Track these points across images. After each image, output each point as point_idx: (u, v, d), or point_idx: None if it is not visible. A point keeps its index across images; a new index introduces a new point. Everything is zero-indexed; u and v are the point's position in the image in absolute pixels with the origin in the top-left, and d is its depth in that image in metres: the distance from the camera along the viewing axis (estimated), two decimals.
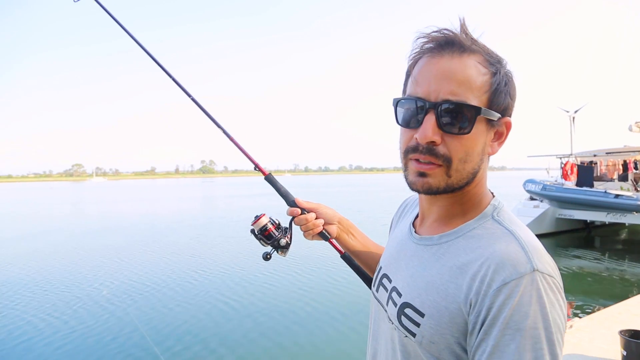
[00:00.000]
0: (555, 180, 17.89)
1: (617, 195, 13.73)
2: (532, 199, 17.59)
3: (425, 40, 0.81)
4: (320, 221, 1.20)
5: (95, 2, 1.45)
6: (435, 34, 0.80)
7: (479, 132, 0.80)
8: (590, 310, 5.71)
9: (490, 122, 0.81)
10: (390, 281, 0.92)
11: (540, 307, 0.68)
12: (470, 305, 0.72)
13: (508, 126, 0.84)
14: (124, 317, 7.25)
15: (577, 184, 16.18)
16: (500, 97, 0.80)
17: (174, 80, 1.40)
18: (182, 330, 6.63)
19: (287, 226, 1.22)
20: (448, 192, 0.83)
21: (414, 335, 0.79)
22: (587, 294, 9.11)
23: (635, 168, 16.56)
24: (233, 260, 11.77)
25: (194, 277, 9.91)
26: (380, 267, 1.01)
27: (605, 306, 5.68)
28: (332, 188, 66.22)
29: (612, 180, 17.15)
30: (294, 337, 6.37)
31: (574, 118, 19.49)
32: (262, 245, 1.21)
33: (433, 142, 0.78)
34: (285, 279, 9.43)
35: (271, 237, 1.19)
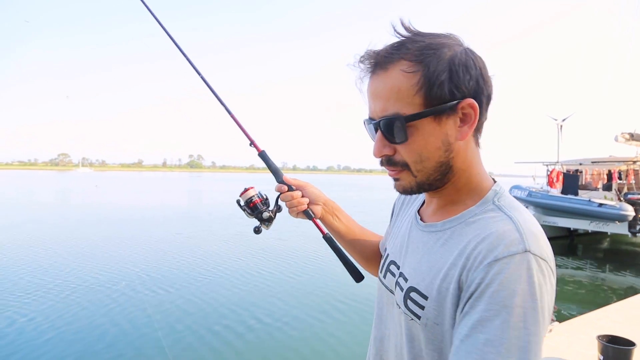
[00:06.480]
0: (541, 187, 18.05)
1: (600, 204, 13.86)
2: None
3: (359, 64, 0.85)
4: (305, 200, 1.23)
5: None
6: (362, 57, 0.84)
7: (427, 131, 0.80)
8: (569, 316, 5.72)
9: (440, 114, 0.79)
10: (398, 267, 0.96)
11: (529, 286, 0.68)
12: (463, 282, 0.74)
13: (473, 107, 0.80)
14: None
15: (562, 192, 16.34)
16: (441, 87, 0.78)
17: (186, 57, 1.46)
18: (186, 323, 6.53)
19: (274, 202, 1.28)
20: (427, 190, 0.88)
21: (419, 317, 0.82)
22: (567, 300, 9.18)
23: (620, 178, 16.79)
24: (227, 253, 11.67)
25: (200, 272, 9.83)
26: (388, 254, 1.04)
27: (584, 312, 5.71)
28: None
29: (596, 189, 17.35)
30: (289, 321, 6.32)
31: (561, 126, 19.75)
32: (247, 216, 1.26)
33: (386, 155, 0.85)
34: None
35: (255, 209, 1.25)
